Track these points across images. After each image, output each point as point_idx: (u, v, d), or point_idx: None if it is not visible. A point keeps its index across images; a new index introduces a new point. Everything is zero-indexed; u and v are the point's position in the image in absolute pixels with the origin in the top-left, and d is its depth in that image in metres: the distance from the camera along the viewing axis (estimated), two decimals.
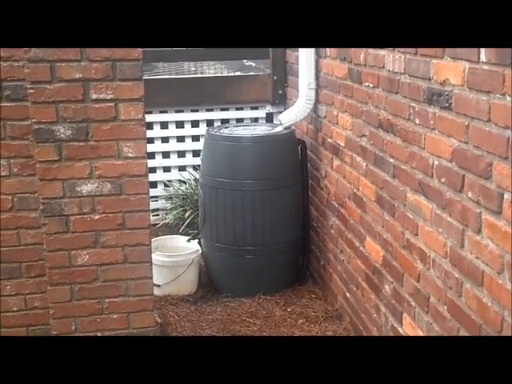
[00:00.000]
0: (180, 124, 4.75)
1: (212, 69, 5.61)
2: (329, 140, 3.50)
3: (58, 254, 2.50)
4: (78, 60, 2.34)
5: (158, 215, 4.64)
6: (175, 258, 3.72)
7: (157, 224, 4.53)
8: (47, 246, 2.49)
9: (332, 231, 3.51)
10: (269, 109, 4.76)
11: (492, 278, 1.89)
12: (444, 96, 2.12)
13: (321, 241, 3.74)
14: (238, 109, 4.77)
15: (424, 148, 2.30)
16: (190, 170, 4.75)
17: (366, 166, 2.92)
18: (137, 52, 2.36)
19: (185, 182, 4.70)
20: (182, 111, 4.72)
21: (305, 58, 3.61)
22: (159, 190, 4.77)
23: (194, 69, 5.59)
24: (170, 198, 4.71)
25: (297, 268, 3.85)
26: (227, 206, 3.59)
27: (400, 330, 2.60)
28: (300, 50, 3.66)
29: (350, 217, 3.20)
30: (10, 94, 2.54)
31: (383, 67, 2.65)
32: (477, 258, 1.97)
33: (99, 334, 2.59)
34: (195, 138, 4.76)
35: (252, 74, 4.92)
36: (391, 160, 2.62)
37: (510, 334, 1.80)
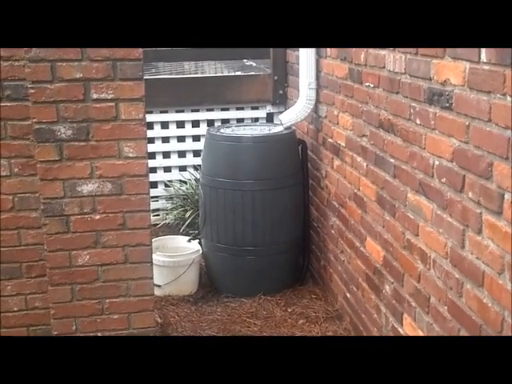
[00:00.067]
0: (180, 124, 4.75)
1: (212, 68, 5.61)
2: (329, 140, 3.50)
3: (59, 254, 2.50)
4: (78, 60, 2.34)
5: (158, 215, 4.64)
6: (176, 258, 3.72)
7: (157, 224, 4.53)
8: (48, 246, 2.49)
9: (332, 231, 3.51)
10: (269, 109, 4.76)
11: (492, 279, 1.88)
12: (445, 96, 2.12)
13: (321, 241, 3.74)
14: (238, 109, 4.77)
15: (424, 148, 2.30)
16: (191, 169, 4.75)
17: (367, 166, 2.92)
18: (137, 52, 2.37)
19: (185, 182, 4.70)
20: (182, 111, 4.72)
21: (305, 57, 3.61)
22: (160, 190, 4.77)
23: (194, 69, 5.59)
24: (170, 198, 4.71)
25: (297, 268, 3.85)
26: (228, 206, 3.59)
27: (400, 330, 2.60)
28: (300, 49, 3.66)
29: (350, 217, 3.20)
30: (10, 94, 2.54)
31: (384, 67, 2.65)
32: (477, 258, 1.97)
33: (100, 335, 2.59)
34: (196, 138, 4.76)
35: (252, 73, 4.92)
36: (392, 160, 2.62)
37: (510, 334, 1.80)
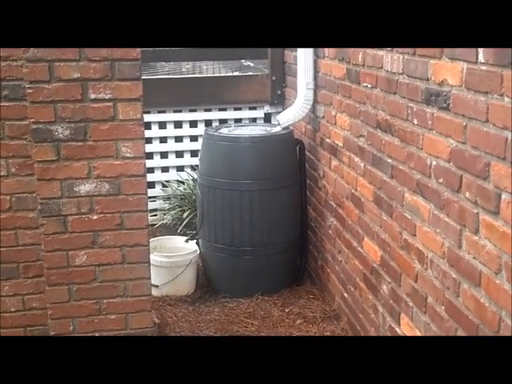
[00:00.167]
0: (178, 124, 4.75)
1: (210, 69, 5.61)
2: (327, 140, 3.50)
3: (56, 255, 2.50)
4: (76, 60, 2.34)
5: (156, 215, 4.64)
6: (173, 258, 3.72)
7: (155, 224, 4.53)
8: (45, 246, 2.49)
9: (330, 231, 3.51)
10: (267, 109, 4.76)
11: (489, 279, 1.89)
12: (442, 96, 2.12)
13: (319, 241, 3.74)
14: (236, 109, 4.78)
15: (422, 148, 2.30)
16: (188, 170, 4.75)
17: (364, 166, 2.93)
18: (135, 52, 2.36)
19: (183, 183, 4.70)
20: (180, 111, 4.72)
21: (303, 58, 3.61)
22: (157, 191, 4.77)
23: (190, 68, 5.59)
24: (168, 198, 4.71)
25: (295, 268, 3.86)
26: (225, 206, 3.59)
27: (398, 330, 2.60)
28: (298, 50, 3.67)
29: (347, 217, 3.20)
30: (8, 94, 2.54)
31: (381, 67, 2.66)
32: (474, 258, 1.97)
33: (97, 335, 2.59)
34: (193, 138, 4.76)
35: (250, 74, 4.92)
36: (389, 160, 2.62)
37: (507, 334, 1.80)
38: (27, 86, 2.35)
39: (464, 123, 1.99)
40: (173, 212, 4.57)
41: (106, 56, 2.35)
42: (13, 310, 2.74)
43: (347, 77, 3.12)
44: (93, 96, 2.38)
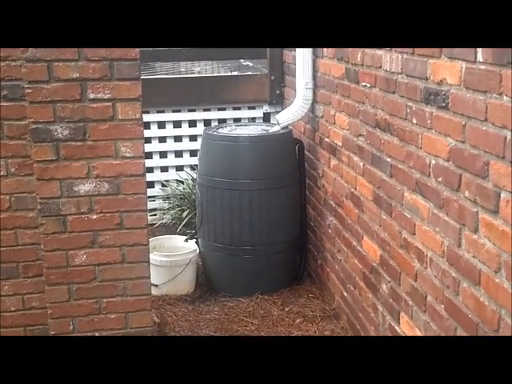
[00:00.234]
0: (177, 124, 4.75)
1: (209, 68, 5.61)
2: (326, 140, 3.50)
3: (56, 254, 2.50)
4: (75, 60, 2.34)
5: (155, 215, 4.64)
6: (173, 257, 3.72)
7: (154, 224, 4.53)
8: (45, 245, 2.49)
9: (329, 231, 3.51)
10: (266, 108, 4.76)
11: (489, 277, 1.89)
12: (441, 96, 2.13)
13: (318, 240, 3.74)
14: (235, 108, 4.78)
15: (421, 147, 2.31)
16: (188, 169, 4.75)
17: (363, 165, 2.93)
18: (134, 52, 2.37)
19: (182, 182, 4.70)
20: (179, 111, 4.72)
21: (302, 57, 3.61)
22: (157, 190, 4.77)
23: (190, 68, 5.59)
24: (167, 197, 4.71)
25: (294, 267, 3.86)
26: (225, 206, 3.59)
27: (397, 328, 2.60)
28: (297, 49, 3.67)
29: (347, 216, 3.20)
30: (7, 94, 2.54)
31: (380, 67, 2.66)
32: (474, 257, 1.98)
33: (97, 334, 2.59)
34: (192, 138, 4.77)
35: (249, 73, 4.92)
36: (388, 159, 2.63)
37: (507, 333, 1.81)
38: (26, 85, 2.35)
39: (463, 122, 1.99)
40: (172, 211, 4.57)
41: (105, 56, 2.35)
42: (13, 309, 2.74)
43: (346, 76, 3.12)
44: (92, 96, 2.38)
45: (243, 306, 3.56)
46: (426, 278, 2.32)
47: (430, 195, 2.26)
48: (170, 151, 4.78)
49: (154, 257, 3.51)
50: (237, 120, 4.73)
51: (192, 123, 4.76)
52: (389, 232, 2.66)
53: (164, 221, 4.60)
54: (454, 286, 2.10)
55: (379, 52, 2.66)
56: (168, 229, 4.52)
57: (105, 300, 2.57)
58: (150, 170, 4.67)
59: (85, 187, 2.46)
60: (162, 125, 4.72)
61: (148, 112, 4.52)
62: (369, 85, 2.81)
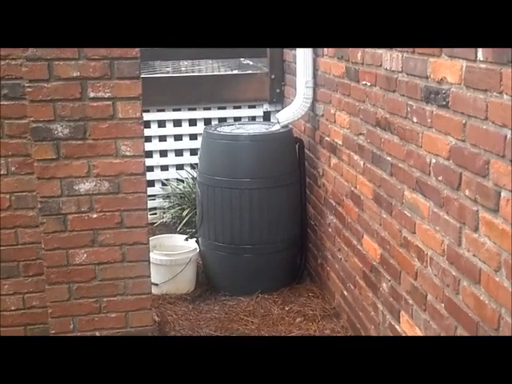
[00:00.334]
0: (177, 122, 4.74)
1: (210, 67, 5.61)
2: (326, 138, 3.50)
3: (56, 253, 2.50)
4: (75, 58, 2.34)
5: (155, 214, 4.64)
6: (173, 256, 3.72)
7: (154, 223, 4.53)
8: (45, 244, 2.49)
9: (329, 229, 3.51)
10: (266, 107, 4.76)
11: (489, 276, 1.89)
12: (441, 94, 2.13)
13: (318, 239, 3.74)
14: (235, 107, 4.78)
15: (421, 146, 2.31)
16: (188, 168, 4.75)
17: (364, 164, 2.93)
18: (134, 50, 2.37)
19: (182, 181, 4.70)
20: (179, 110, 4.72)
21: (302, 56, 3.61)
22: (157, 189, 4.77)
23: (191, 67, 5.58)
24: (167, 196, 4.71)
25: (294, 266, 3.86)
26: (225, 205, 3.59)
27: (397, 327, 2.60)
28: (297, 48, 3.66)
29: (347, 215, 3.20)
30: (7, 93, 2.54)
31: (381, 66, 2.66)
32: (474, 255, 1.98)
33: (97, 333, 2.59)
34: (193, 137, 4.76)
35: (250, 72, 4.92)
36: (388, 158, 2.62)
37: (507, 332, 1.81)
38: (26, 84, 2.35)
39: (463, 121, 1.99)
40: (172, 210, 4.57)
41: (105, 55, 2.35)
42: (13, 308, 2.75)
43: (346, 75, 3.12)
44: (92, 95, 2.38)
45: (243, 304, 3.56)
46: (426, 277, 2.32)
47: (430, 194, 2.26)
48: (171, 150, 4.78)
49: (154, 256, 3.51)
50: (237, 119, 4.73)
51: (192, 122, 4.76)
52: (389, 231, 2.66)
53: (164, 220, 4.60)
54: (454, 284, 2.10)
55: (379, 51, 2.65)
56: (168, 228, 4.52)
57: (105, 299, 2.57)
58: (151, 168, 4.67)
59: (85, 186, 2.46)
60: (162, 123, 4.72)
61: (148, 111, 4.52)
62: (369, 83, 2.81)
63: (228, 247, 3.65)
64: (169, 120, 4.71)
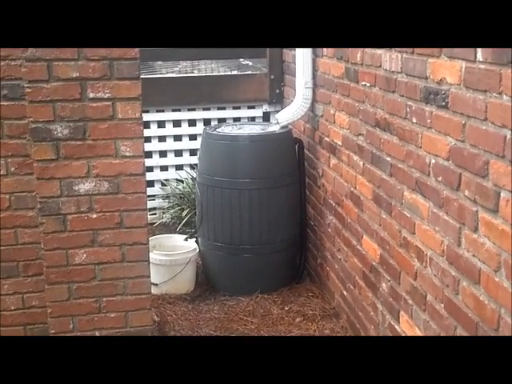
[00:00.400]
0: (177, 123, 4.74)
1: (209, 68, 5.61)
2: (326, 139, 3.51)
3: (56, 253, 2.50)
4: (75, 59, 2.34)
5: (155, 214, 4.64)
6: (173, 256, 3.72)
7: (154, 223, 4.53)
8: (45, 244, 2.49)
9: (329, 230, 3.51)
10: (266, 108, 4.76)
11: (489, 276, 1.89)
12: (441, 95, 2.13)
13: (318, 239, 3.75)
14: (235, 108, 4.78)
15: (421, 147, 2.31)
16: (187, 168, 4.75)
17: (363, 164, 2.93)
18: (134, 51, 2.37)
19: (182, 181, 4.70)
20: (178, 110, 4.72)
21: (302, 57, 3.61)
22: (156, 189, 4.77)
23: (190, 68, 5.59)
24: (167, 196, 4.71)
25: (294, 267, 3.86)
26: (224, 205, 3.59)
27: (397, 327, 2.61)
28: (297, 49, 3.66)
29: (347, 215, 3.20)
30: (7, 93, 2.54)
31: (380, 66, 2.66)
32: (474, 256, 1.98)
33: (97, 333, 2.59)
34: (192, 137, 4.77)
35: (249, 73, 4.92)
36: (388, 159, 2.63)
37: (506, 332, 1.81)
38: (26, 85, 2.35)
39: (463, 121, 1.99)
40: (172, 211, 4.57)
41: (105, 55, 2.35)
42: (12, 308, 2.75)
43: (346, 75, 3.12)
44: (92, 95, 2.38)
45: (243, 304, 3.56)
46: (425, 277, 2.32)
47: (429, 194, 2.26)
48: (170, 150, 4.78)
49: (153, 256, 3.51)
50: (236, 119, 4.73)
51: (192, 122, 4.76)
52: (388, 231, 2.66)
53: (164, 220, 4.60)
54: (454, 285, 2.10)
55: (379, 51, 2.66)
56: (168, 228, 4.52)
57: (105, 299, 2.57)
58: (150, 169, 4.67)
59: (85, 186, 2.46)
60: (161, 124, 4.72)
61: (148, 111, 4.52)
62: (368, 84, 2.81)
63: (227, 247, 3.65)
64: (168, 120, 4.71)
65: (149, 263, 2.60)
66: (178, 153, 4.80)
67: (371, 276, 2.89)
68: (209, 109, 4.73)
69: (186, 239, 3.96)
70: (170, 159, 4.79)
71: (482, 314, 1.94)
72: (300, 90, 3.66)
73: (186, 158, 4.79)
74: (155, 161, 4.74)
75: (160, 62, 5.55)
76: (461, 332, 2.07)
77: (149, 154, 4.62)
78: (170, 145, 4.76)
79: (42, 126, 2.38)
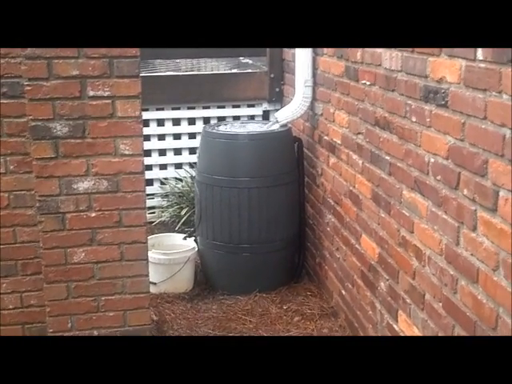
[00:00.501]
0: (176, 121, 4.74)
1: (209, 66, 5.61)
2: (325, 138, 3.50)
3: (55, 252, 2.50)
4: (75, 57, 2.34)
5: (154, 213, 4.64)
6: (171, 255, 3.72)
7: (153, 222, 4.53)
8: (43, 243, 2.49)
9: (328, 229, 3.51)
10: (265, 106, 4.76)
11: (487, 275, 1.89)
12: (440, 94, 2.13)
13: (317, 238, 3.75)
14: (234, 106, 4.78)
15: (420, 145, 2.31)
16: (187, 167, 4.75)
17: (362, 163, 2.93)
18: (134, 49, 2.36)
19: (181, 180, 4.70)
20: (178, 109, 4.72)
21: (302, 55, 3.61)
22: (155, 188, 4.77)
23: (190, 66, 5.58)
24: (166, 195, 4.71)
25: (293, 266, 3.86)
26: (223, 204, 3.59)
27: (395, 326, 2.61)
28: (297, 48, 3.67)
29: (345, 214, 3.20)
30: (6, 91, 2.53)
31: (380, 65, 2.66)
32: (472, 255, 1.98)
33: (95, 332, 2.59)
34: (192, 136, 4.76)
35: (249, 71, 4.92)
36: (387, 157, 2.63)
37: (504, 331, 1.81)
38: (26, 83, 2.35)
39: (462, 120, 1.99)
40: (171, 209, 4.57)
41: (105, 53, 2.35)
42: (11, 307, 2.74)
43: (346, 74, 3.12)
44: (91, 93, 2.38)
45: (241, 303, 3.56)
46: (424, 276, 2.32)
47: (428, 193, 2.26)
48: (169, 149, 4.78)
49: (152, 255, 3.51)
50: (236, 118, 4.73)
51: (191, 121, 4.76)
52: (387, 230, 2.66)
53: (163, 219, 4.59)
54: (452, 284, 2.11)
55: (379, 50, 2.66)
56: (167, 227, 4.52)
57: (103, 298, 2.57)
58: (149, 167, 4.67)
59: (84, 185, 2.46)
60: (161, 122, 4.72)
61: (147, 110, 4.52)
62: (368, 83, 2.81)
63: (226, 246, 3.65)
64: (168, 119, 4.71)
65: (147, 262, 2.60)
66: (178, 151, 4.80)
67: (370, 275, 2.89)
68: (208, 107, 4.73)
69: (185, 238, 3.95)
70: (170, 158, 4.79)
71: (480, 313, 1.94)
72: (300, 88, 3.66)
73: (186, 157, 4.79)
74: (154, 159, 4.74)
75: (159, 61, 5.54)
76: (459, 331, 2.08)
77: (148, 153, 4.62)
78: (169, 143, 4.76)
79: (41, 124, 2.38)
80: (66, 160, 2.42)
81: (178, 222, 4.43)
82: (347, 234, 3.19)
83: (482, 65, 1.86)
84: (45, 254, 2.50)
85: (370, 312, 2.90)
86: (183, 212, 4.43)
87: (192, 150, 4.72)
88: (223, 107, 4.76)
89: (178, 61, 5.60)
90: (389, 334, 2.69)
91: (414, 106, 2.35)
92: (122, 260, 2.55)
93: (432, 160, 2.22)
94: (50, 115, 2.37)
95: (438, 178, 2.18)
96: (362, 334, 3.04)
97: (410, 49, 2.34)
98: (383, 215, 2.70)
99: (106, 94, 2.38)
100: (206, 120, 4.70)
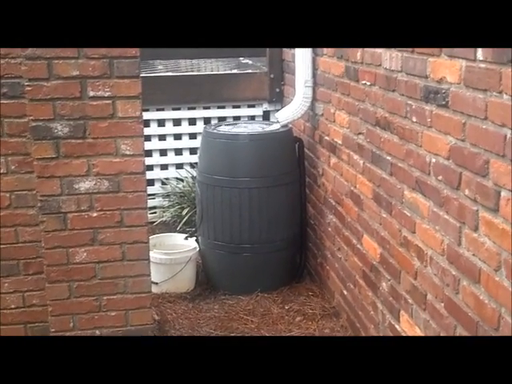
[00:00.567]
0: (177, 122, 4.75)
1: (209, 66, 5.61)
2: (326, 138, 3.51)
3: (56, 252, 2.50)
4: (75, 57, 2.34)
5: (155, 213, 4.64)
6: (173, 255, 3.73)
7: (154, 222, 4.53)
8: (45, 243, 2.49)
9: (329, 229, 3.51)
10: (266, 107, 4.76)
11: (489, 276, 1.89)
12: (441, 94, 2.13)
13: (318, 238, 3.75)
14: (234, 107, 4.78)
15: (421, 146, 2.31)
16: (188, 167, 4.75)
17: (363, 163, 2.93)
18: (134, 49, 2.37)
19: (182, 180, 4.71)
20: (179, 109, 4.72)
21: (302, 56, 3.61)
22: (156, 188, 4.77)
23: (190, 66, 5.59)
24: (167, 195, 4.72)
25: (294, 266, 3.86)
26: (224, 204, 3.59)
27: (397, 327, 2.61)
28: (297, 48, 3.66)
29: (347, 214, 3.20)
30: (7, 92, 2.54)
31: (380, 65, 2.66)
32: (474, 255, 1.98)
33: (97, 332, 2.60)
34: (192, 136, 4.77)
35: (249, 71, 4.92)
36: (388, 158, 2.63)
37: (506, 332, 1.81)
38: (26, 83, 2.35)
39: (463, 120, 1.99)
40: (172, 209, 4.57)
41: (105, 54, 2.35)
42: (13, 306, 2.75)
43: (346, 74, 3.12)
44: (92, 94, 2.38)
45: (243, 303, 3.56)
46: (425, 277, 2.32)
47: (430, 193, 2.26)
48: (170, 149, 4.78)
49: (154, 255, 3.51)
50: (236, 118, 4.73)
51: (192, 121, 4.76)
52: (389, 230, 2.66)
53: (164, 219, 4.60)
54: (454, 284, 2.11)
55: (379, 50, 2.66)
56: (168, 227, 4.52)
57: (105, 297, 2.57)
58: (150, 167, 4.67)
59: (85, 185, 2.46)
60: (161, 123, 4.72)
61: (148, 110, 4.52)
62: (369, 83, 2.81)
63: (227, 246, 3.65)
64: (168, 119, 4.71)
65: (149, 262, 2.61)
66: (178, 151, 4.80)
67: (371, 275, 2.89)
68: (209, 107, 4.73)
69: (186, 238, 3.96)
70: (170, 158, 4.79)
71: (482, 314, 1.94)
72: (300, 88, 3.66)
73: (186, 157, 4.79)
74: (155, 159, 4.74)
75: (159, 61, 5.55)
76: (461, 331, 2.08)
77: (149, 153, 4.62)
78: (170, 143, 4.76)
79: (42, 125, 2.38)
80: (67, 160, 2.42)
81: (180, 222, 4.43)
82: (348, 234, 3.19)
83: (482, 65, 1.86)
84: (47, 253, 2.50)
85: (372, 312, 2.90)
86: (184, 212, 4.44)
87: (193, 150, 4.72)
88: (223, 107, 4.76)
89: (179, 63, 5.60)
90: (391, 335, 2.69)
91: (414, 106, 2.35)
92: (124, 260, 2.55)
93: (433, 160, 2.22)
94: (50, 115, 2.37)
95: (440, 178, 2.18)
96: (363, 334, 3.04)
97: (410, 49, 2.34)
98: (385, 215, 2.70)
99: (107, 94, 2.39)
100: (207, 120, 4.70)
